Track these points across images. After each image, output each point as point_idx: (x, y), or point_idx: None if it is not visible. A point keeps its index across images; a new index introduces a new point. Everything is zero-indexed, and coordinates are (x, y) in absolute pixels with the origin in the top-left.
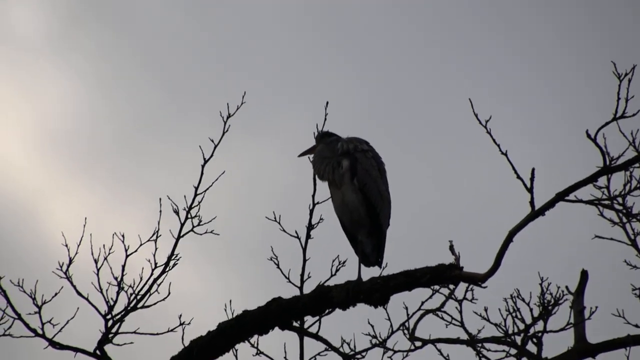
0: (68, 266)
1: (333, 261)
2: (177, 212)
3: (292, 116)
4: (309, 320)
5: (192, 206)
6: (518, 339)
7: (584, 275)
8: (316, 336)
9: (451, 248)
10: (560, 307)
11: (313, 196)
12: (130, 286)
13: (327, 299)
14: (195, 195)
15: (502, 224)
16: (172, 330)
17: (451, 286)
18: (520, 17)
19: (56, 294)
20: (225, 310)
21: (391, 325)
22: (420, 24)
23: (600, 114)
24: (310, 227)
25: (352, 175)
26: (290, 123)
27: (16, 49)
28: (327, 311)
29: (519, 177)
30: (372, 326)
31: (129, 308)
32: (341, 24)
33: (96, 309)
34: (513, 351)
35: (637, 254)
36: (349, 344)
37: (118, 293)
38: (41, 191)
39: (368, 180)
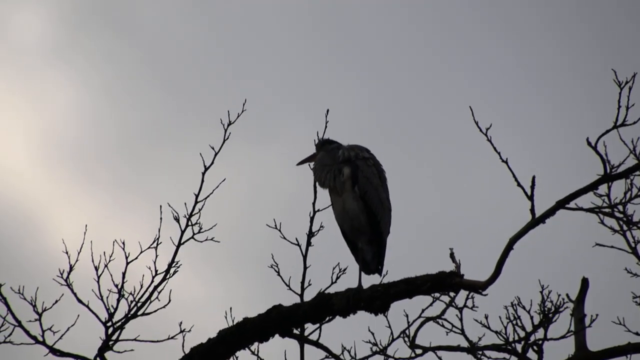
0: (69, 273)
1: (333, 269)
2: (177, 220)
3: (293, 123)
4: (309, 327)
5: (193, 213)
6: (519, 347)
7: (585, 283)
8: (317, 344)
9: (452, 256)
10: (560, 315)
11: (313, 204)
12: (130, 293)
13: (327, 306)
14: (196, 202)
15: (502, 232)
16: (172, 338)
17: (452, 294)
18: (521, 25)
19: (57, 301)
20: (226, 317)
21: (392, 333)
22: (423, 33)
23: (600, 122)
24: (310, 234)
25: (353, 183)
26: (291, 130)
27: (20, 55)
28: (327, 319)
29: (519, 184)
30: (373, 334)
31: (129, 315)
32: (343, 31)
33: (97, 316)
34: (513, 359)
35: (638, 261)
36: (349, 352)
37: (118, 300)
38: (43, 198)
39: (369, 188)
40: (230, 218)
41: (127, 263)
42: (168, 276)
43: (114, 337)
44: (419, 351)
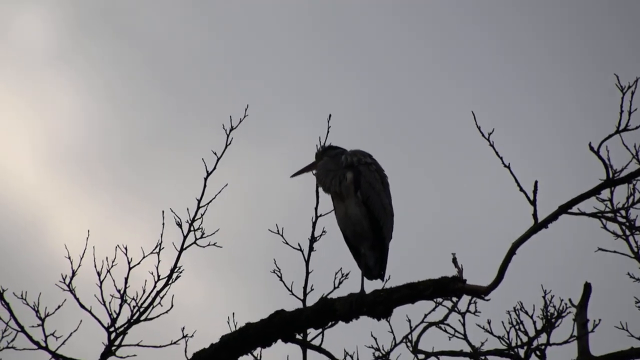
0: (71, 279)
1: (336, 274)
2: (180, 225)
3: (295, 127)
4: (312, 332)
5: (195, 219)
6: (521, 352)
7: (587, 288)
8: (319, 349)
9: (454, 261)
10: (563, 320)
11: (316, 209)
12: (133, 299)
13: (330, 311)
14: (198, 207)
15: (505, 237)
16: (175, 343)
17: (454, 299)
18: (523, 29)
19: (59, 307)
20: (228, 322)
21: (394, 338)
22: (425, 36)
23: (603, 126)
24: (313, 239)
25: (355, 188)
26: (293, 134)
27: (23, 58)
28: (330, 324)
29: (521, 189)
30: (375, 339)
31: (132, 320)
32: (345, 33)
33: (99, 321)
34: None
35: None
36: (352, 357)
37: (121, 305)
38: (45, 202)
39: (371, 193)
40: (232, 223)
41: (130, 268)
42: (170, 281)
43: (116, 343)
44: (421, 356)
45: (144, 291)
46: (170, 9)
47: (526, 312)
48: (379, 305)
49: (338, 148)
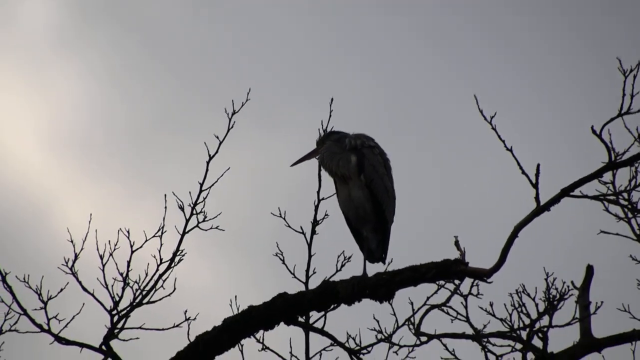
0: (74, 262)
1: (338, 257)
2: (182, 208)
3: (298, 112)
4: (314, 315)
5: (197, 202)
6: (523, 334)
7: (590, 270)
8: (322, 331)
9: (456, 243)
10: (565, 302)
11: (318, 192)
12: (135, 282)
13: (332, 294)
14: (201, 191)
15: (507, 220)
16: (177, 326)
17: (456, 281)
18: (524, 14)
19: (62, 290)
20: (231, 305)
21: (397, 321)
22: (426, 23)
23: (605, 110)
24: (315, 222)
25: (359, 171)
26: (297, 119)
27: (28, 46)
28: (332, 306)
29: (524, 172)
30: (378, 321)
31: (134, 304)
32: (349, 20)
33: (102, 304)
34: (518, 346)
35: None
36: (354, 339)
37: (123, 289)
38: (48, 187)
39: (375, 176)
40: (235, 207)
41: (132, 252)
42: (173, 265)
43: (119, 326)
44: (424, 339)
45: (146, 274)
46: None
47: (528, 295)
48: (381, 287)
49: (340, 132)
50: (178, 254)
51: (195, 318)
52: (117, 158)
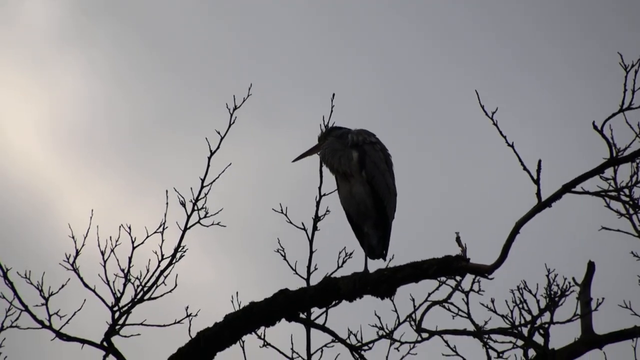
0: (75, 258)
1: (340, 253)
2: (183, 204)
3: (299, 108)
4: (315, 311)
5: (199, 198)
6: (525, 330)
7: (591, 266)
8: (323, 328)
9: (458, 240)
10: (567, 299)
11: (319, 188)
12: (137, 278)
13: (334, 290)
14: (202, 187)
15: (508, 216)
16: (179, 322)
17: (458, 278)
18: (524, 11)
19: (63, 286)
20: (232, 302)
21: (398, 317)
22: (428, 18)
23: (606, 105)
24: (316, 218)
25: (360, 167)
26: (298, 114)
27: (31, 42)
28: (333, 303)
29: (525, 168)
30: (379, 318)
31: (135, 300)
32: (351, 15)
33: (103, 300)
34: (520, 342)
35: None
36: (355, 336)
37: (125, 285)
38: (50, 183)
39: (376, 172)
40: (236, 202)
41: (134, 248)
42: (174, 261)
43: (120, 322)
44: (425, 335)
45: (147, 270)
46: None
47: (530, 291)
48: (383, 284)
49: (342, 128)
50: (179, 250)
51: (196, 314)
52: (119, 154)
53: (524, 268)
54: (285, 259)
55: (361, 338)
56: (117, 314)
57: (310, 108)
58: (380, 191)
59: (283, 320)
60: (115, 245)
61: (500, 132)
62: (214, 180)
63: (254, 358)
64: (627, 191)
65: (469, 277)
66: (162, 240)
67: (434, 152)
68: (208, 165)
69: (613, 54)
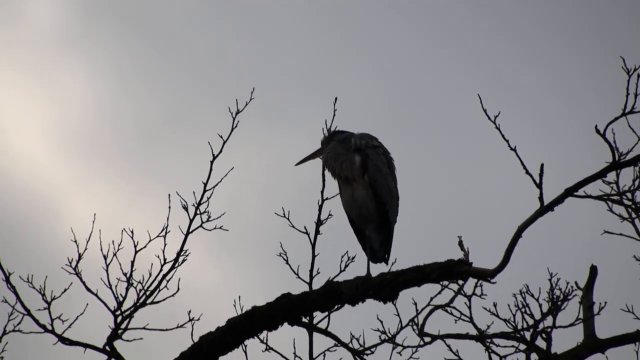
0: (77, 262)
1: (342, 257)
2: (186, 208)
3: (302, 111)
4: (318, 316)
5: (201, 202)
6: (527, 335)
7: (593, 270)
8: (325, 332)
9: (460, 244)
10: (569, 303)
11: (322, 192)
12: (139, 282)
13: (336, 294)
14: (204, 191)
15: (511, 220)
16: (181, 326)
17: (460, 282)
18: (527, 14)
19: (65, 290)
20: (235, 306)
21: (400, 321)
22: (432, 21)
23: (609, 109)
24: (319, 222)
25: (362, 171)
26: (301, 118)
27: (35, 44)
28: (336, 307)
29: (528, 172)
30: (382, 322)
31: (138, 304)
32: (354, 17)
33: (105, 304)
34: (522, 346)
35: None
36: (358, 340)
37: (127, 289)
38: (53, 187)
39: (378, 176)
40: (239, 206)
41: (136, 252)
42: (177, 265)
43: (123, 326)
44: (427, 339)
45: (150, 274)
46: None
47: (532, 295)
48: (385, 288)
49: (345, 132)
50: (182, 254)
51: (199, 318)
52: (121, 156)
53: (527, 272)
54: (287, 263)
55: (364, 342)
56: (119, 318)
57: (313, 110)
58: (382, 195)
59: (285, 324)
60: (118, 249)
61: (503, 136)
62: (216, 185)
63: None
64: (629, 195)
65: (471, 281)
66: (165, 245)
67: (436, 155)
68: (210, 170)
69: (616, 58)
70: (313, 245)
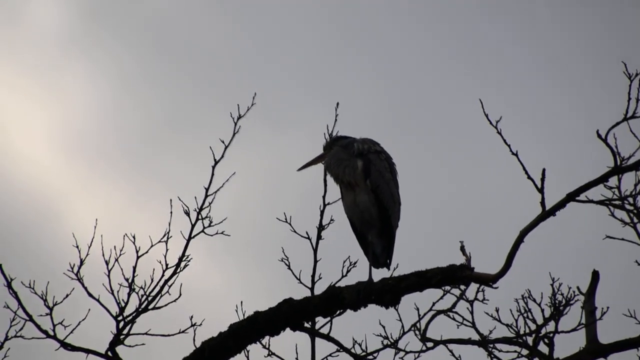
0: (79, 268)
1: (344, 262)
2: (187, 213)
3: (304, 116)
4: (320, 321)
5: (203, 207)
6: (529, 340)
7: (595, 275)
8: (327, 337)
9: (462, 249)
10: (571, 308)
11: (324, 197)
12: (141, 287)
13: (338, 299)
14: (206, 196)
15: (513, 225)
16: (183, 332)
17: (462, 287)
18: (532, 16)
19: (67, 296)
20: (237, 311)
21: (402, 326)
22: (432, 26)
23: (611, 114)
24: (321, 227)
25: (365, 176)
26: (303, 123)
27: (37, 46)
28: (338, 312)
29: (529, 177)
30: (384, 327)
31: (140, 309)
32: (356, 20)
33: (107, 310)
34: (524, 352)
35: None
36: (360, 345)
37: (129, 294)
38: (54, 192)
39: (381, 181)
40: (240, 211)
41: (138, 257)
42: (179, 270)
43: (125, 331)
44: (430, 344)
45: (152, 280)
46: None
47: (534, 300)
48: (387, 293)
49: (348, 137)
50: (184, 259)
51: (201, 324)
52: (123, 160)
53: (529, 277)
54: (289, 268)
55: (366, 347)
56: (121, 324)
57: (316, 113)
58: (384, 200)
59: (288, 329)
60: (120, 255)
61: (505, 141)
62: (218, 189)
63: None
64: (631, 200)
65: (473, 286)
66: (167, 250)
67: (438, 159)
68: (212, 174)
69: (618, 63)
70: (315, 250)
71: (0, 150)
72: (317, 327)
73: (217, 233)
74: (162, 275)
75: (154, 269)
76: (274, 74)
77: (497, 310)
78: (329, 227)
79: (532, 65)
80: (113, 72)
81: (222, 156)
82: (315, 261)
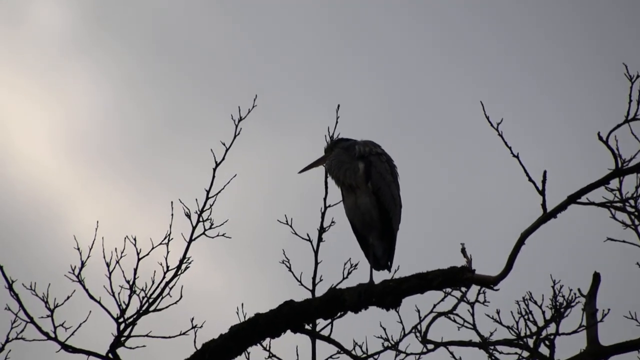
0: (80, 270)
1: (345, 264)
2: (188, 216)
3: (306, 118)
4: (321, 323)
5: (204, 209)
6: (530, 342)
7: (596, 277)
8: (328, 339)
9: (463, 251)
10: (572, 310)
11: (325, 199)
12: (142, 289)
13: (339, 302)
14: (207, 198)
15: (514, 227)
16: (184, 334)
17: (463, 289)
18: (531, 19)
19: (68, 298)
20: (238, 313)
21: (403, 328)
22: (432, 29)
23: (612, 116)
24: (322, 230)
25: (366, 178)
26: (304, 125)
27: (40, 48)
28: (339, 314)
29: (530, 179)
30: (384, 329)
31: (141, 311)
32: (357, 22)
33: (108, 312)
34: (525, 354)
35: None
36: (361, 347)
37: (130, 296)
38: (56, 194)
39: (382, 184)
40: (241, 213)
41: (139, 259)
42: (179, 272)
43: (125, 333)
44: (430, 346)
45: (153, 282)
46: None
47: (535, 302)
48: (388, 295)
49: (349, 140)
50: (185, 261)
51: (202, 326)
52: (124, 163)
53: (530, 279)
54: (290, 270)
55: (366, 349)
56: (122, 326)
57: (317, 115)
58: (385, 202)
59: (288, 331)
60: (121, 257)
61: (506, 143)
62: (219, 192)
63: None
64: (632, 202)
65: (474, 288)
66: (167, 252)
67: (438, 161)
68: (213, 176)
69: (618, 65)
70: (316, 253)
71: (1, 151)
72: (317, 329)
73: (218, 235)
74: (163, 277)
75: (154, 271)
76: (275, 74)
77: (498, 312)
78: (330, 229)
79: (533, 66)
80: (114, 73)
81: (223, 158)
82: (316, 263)
